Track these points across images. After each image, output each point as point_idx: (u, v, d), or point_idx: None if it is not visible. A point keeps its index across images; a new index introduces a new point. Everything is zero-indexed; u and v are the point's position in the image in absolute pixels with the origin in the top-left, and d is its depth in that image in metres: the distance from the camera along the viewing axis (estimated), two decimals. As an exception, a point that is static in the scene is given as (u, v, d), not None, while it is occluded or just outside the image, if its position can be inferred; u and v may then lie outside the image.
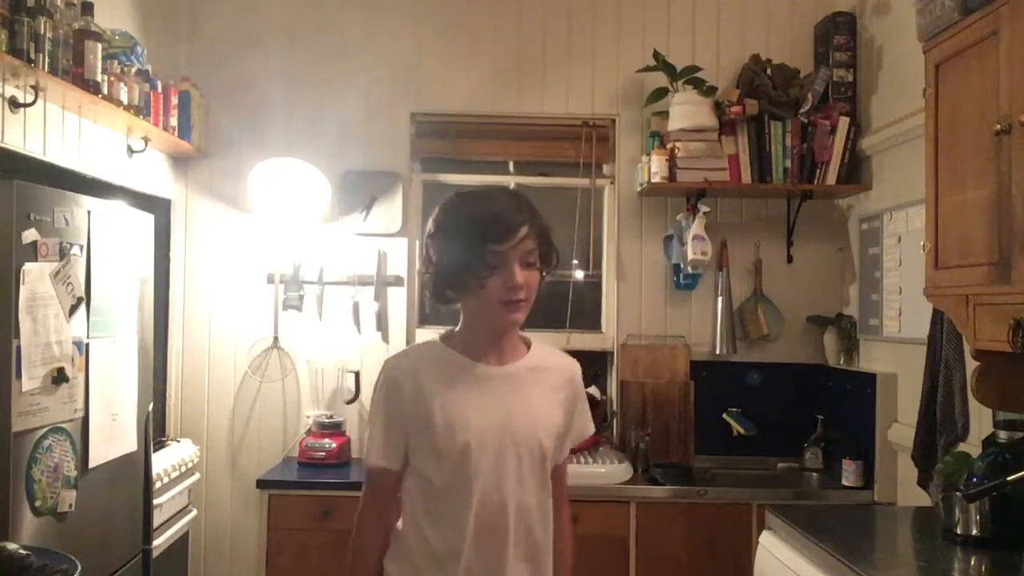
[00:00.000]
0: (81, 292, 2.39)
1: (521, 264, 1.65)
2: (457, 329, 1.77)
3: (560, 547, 1.81)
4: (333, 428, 3.63)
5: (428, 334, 3.83)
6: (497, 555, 1.67)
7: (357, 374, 3.75)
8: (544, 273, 1.74)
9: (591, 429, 1.88)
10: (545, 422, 1.74)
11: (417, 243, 3.90)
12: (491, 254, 1.62)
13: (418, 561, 1.69)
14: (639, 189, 3.76)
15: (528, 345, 1.82)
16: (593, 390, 3.72)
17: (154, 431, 3.01)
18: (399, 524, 1.74)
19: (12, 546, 1.83)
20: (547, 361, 1.82)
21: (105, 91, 2.73)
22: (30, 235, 2.16)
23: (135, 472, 2.79)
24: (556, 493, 1.80)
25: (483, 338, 1.74)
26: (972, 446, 2.55)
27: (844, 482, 3.37)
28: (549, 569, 1.76)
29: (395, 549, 1.74)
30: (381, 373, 1.75)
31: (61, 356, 2.29)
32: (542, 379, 1.78)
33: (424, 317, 3.96)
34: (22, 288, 2.13)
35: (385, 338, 3.82)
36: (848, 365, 3.63)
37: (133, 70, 3.00)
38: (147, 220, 2.95)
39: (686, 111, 3.56)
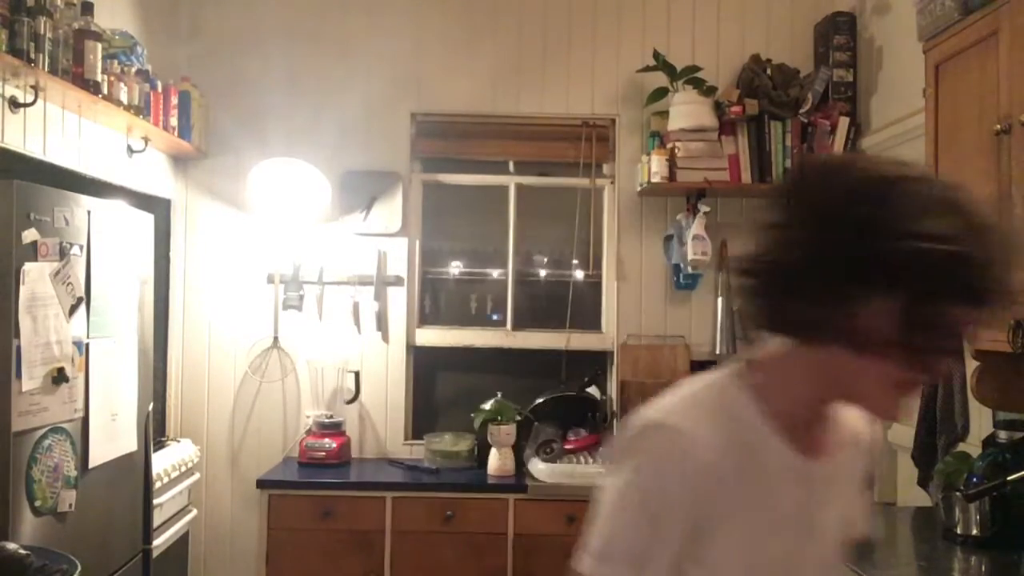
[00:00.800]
0: (81, 292, 2.39)
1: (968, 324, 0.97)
2: (769, 381, 1.08)
3: None
4: (333, 428, 3.63)
5: (428, 334, 3.84)
6: None
7: (357, 374, 3.75)
8: None
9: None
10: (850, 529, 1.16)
11: (417, 243, 3.90)
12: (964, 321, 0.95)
13: None
14: (639, 189, 3.76)
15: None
16: (593, 390, 3.73)
17: (154, 431, 3.01)
18: None
19: (12, 546, 1.83)
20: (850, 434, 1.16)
21: (105, 91, 2.73)
22: (30, 235, 2.16)
23: (135, 472, 2.79)
24: None
25: (807, 414, 1.08)
26: (972, 446, 2.54)
27: (844, 482, 3.36)
28: None
29: None
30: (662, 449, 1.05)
31: (61, 356, 2.29)
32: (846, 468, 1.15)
33: (424, 317, 3.96)
34: (22, 288, 2.13)
35: (385, 338, 3.82)
36: (848, 365, 3.62)
37: (133, 70, 3.00)
38: (147, 220, 2.95)
39: (686, 111, 3.56)
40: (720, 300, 3.76)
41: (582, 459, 3.45)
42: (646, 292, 3.86)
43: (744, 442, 1.04)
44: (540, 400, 3.62)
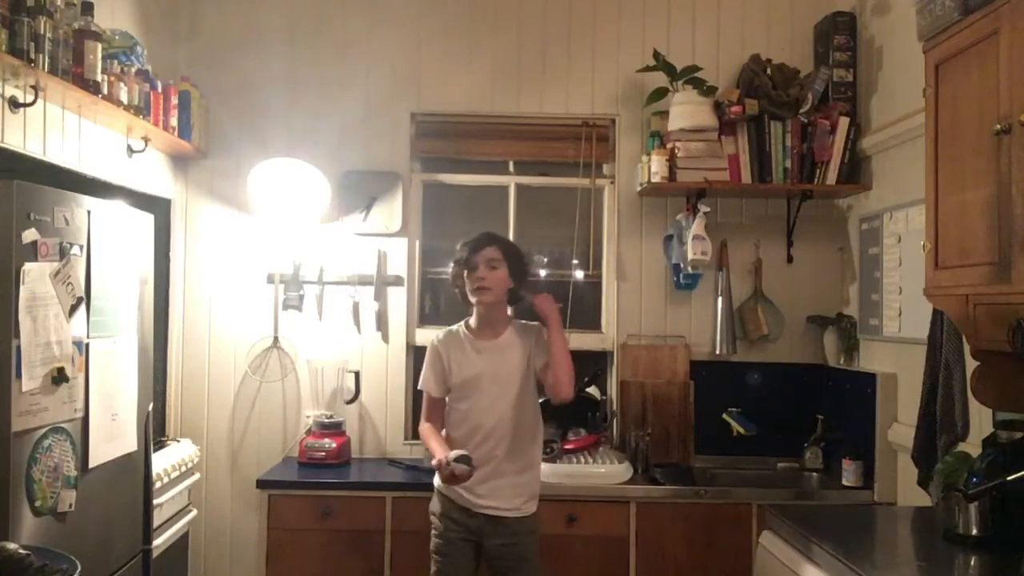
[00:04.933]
0: (81, 292, 2.39)
1: (487, 268, 2.78)
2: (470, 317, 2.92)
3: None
4: (333, 428, 3.63)
5: (428, 334, 3.85)
6: (487, 443, 2.78)
7: (357, 374, 3.75)
8: (517, 283, 2.83)
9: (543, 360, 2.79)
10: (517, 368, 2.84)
11: (417, 243, 3.91)
12: (469, 261, 2.80)
13: (455, 442, 2.80)
14: (639, 189, 3.76)
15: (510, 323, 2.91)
16: (593, 390, 3.72)
17: (154, 431, 3.01)
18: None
19: (12, 546, 1.83)
20: (514, 331, 2.89)
21: (105, 91, 2.73)
22: (30, 235, 2.16)
23: (135, 472, 2.79)
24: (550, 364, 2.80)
25: (477, 321, 2.88)
26: (972, 446, 2.55)
27: (844, 482, 3.37)
28: (525, 457, 2.81)
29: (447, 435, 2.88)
30: (433, 346, 2.91)
31: (61, 356, 2.29)
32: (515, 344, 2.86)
33: (424, 317, 3.96)
34: (22, 288, 2.13)
35: (385, 338, 3.82)
36: (848, 365, 3.63)
37: (133, 70, 3.00)
38: (147, 220, 2.95)
39: (686, 111, 3.57)
40: (720, 300, 3.76)
41: (582, 459, 3.45)
42: (646, 292, 3.86)
43: (454, 335, 2.88)
44: (540, 400, 3.61)
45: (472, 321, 2.89)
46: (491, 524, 2.76)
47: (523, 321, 2.91)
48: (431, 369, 2.88)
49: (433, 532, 2.84)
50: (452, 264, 2.90)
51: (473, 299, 2.81)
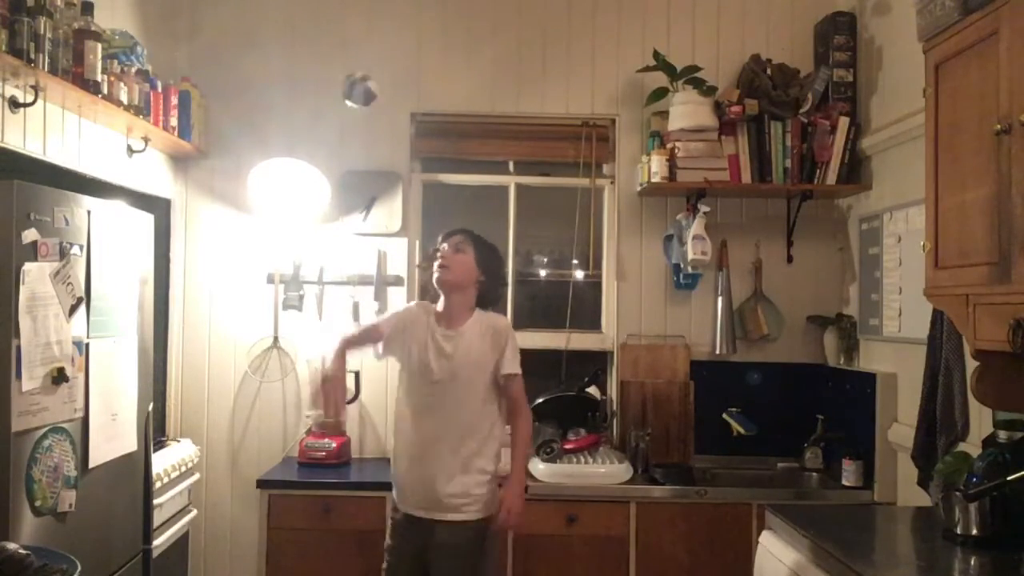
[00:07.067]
0: (81, 292, 2.39)
1: (452, 250, 2.80)
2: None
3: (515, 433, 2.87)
4: (333, 428, 3.62)
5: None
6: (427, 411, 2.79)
7: (357, 374, 3.74)
8: (487, 277, 2.82)
9: (510, 369, 2.78)
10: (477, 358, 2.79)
11: (417, 243, 3.91)
12: (439, 247, 2.84)
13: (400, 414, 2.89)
14: (639, 189, 3.76)
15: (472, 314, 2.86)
16: (593, 390, 3.72)
17: (154, 431, 3.01)
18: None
19: (12, 546, 1.83)
20: (479, 322, 2.83)
21: (105, 91, 2.73)
22: (30, 235, 2.16)
23: (135, 472, 2.79)
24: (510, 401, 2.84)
25: (441, 306, 2.85)
26: (972, 446, 2.55)
27: (844, 482, 3.37)
28: (469, 440, 2.74)
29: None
30: (409, 305, 3.04)
31: (61, 356, 2.29)
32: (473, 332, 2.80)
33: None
34: (22, 288, 2.13)
35: (385, 338, 3.82)
36: (848, 365, 3.63)
37: (133, 70, 3.00)
38: (147, 220, 2.95)
39: (686, 111, 3.57)
40: (720, 300, 3.76)
41: (582, 459, 3.45)
42: (646, 292, 3.86)
43: (425, 311, 2.87)
44: (540, 400, 3.62)
45: (438, 306, 2.85)
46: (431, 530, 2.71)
47: (492, 314, 2.88)
48: (394, 317, 2.91)
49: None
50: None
51: (434, 280, 2.78)
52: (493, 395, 2.79)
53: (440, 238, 2.88)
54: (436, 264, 2.78)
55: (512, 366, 2.78)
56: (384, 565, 2.83)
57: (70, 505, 2.32)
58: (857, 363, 3.61)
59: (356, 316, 3.78)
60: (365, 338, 2.85)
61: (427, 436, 2.73)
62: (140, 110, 3.02)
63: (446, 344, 2.76)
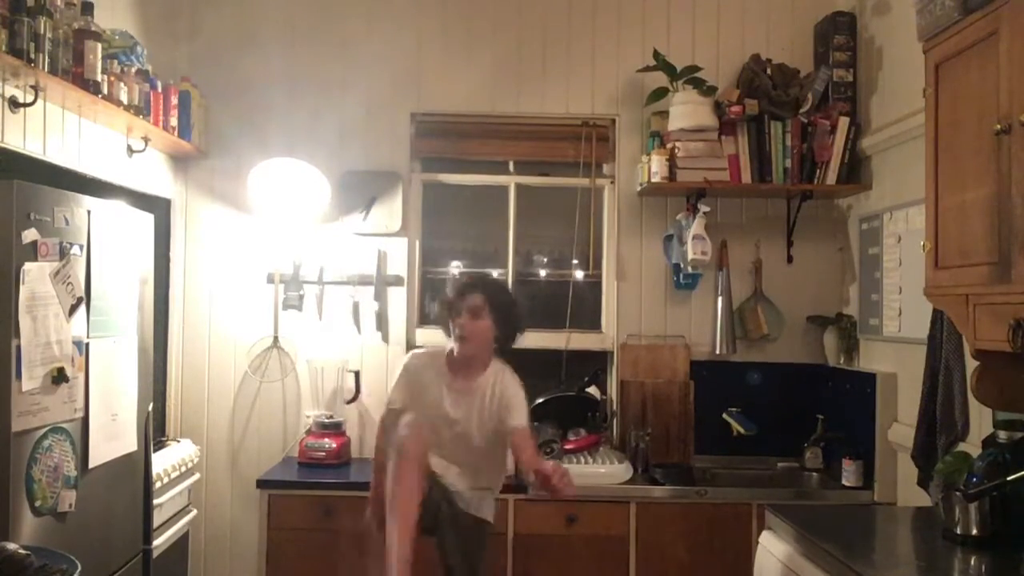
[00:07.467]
0: (81, 292, 2.39)
1: (469, 317, 2.75)
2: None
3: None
4: (333, 428, 3.62)
5: (428, 334, 3.85)
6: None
7: (357, 374, 3.75)
8: (503, 334, 2.81)
9: (517, 422, 2.73)
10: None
11: (417, 243, 3.91)
12: (453, 307, 2.80)
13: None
14: (639, 189, 3.76)
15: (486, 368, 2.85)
16: (593, 390, 3.72)
17: (154, 431, 3.01)
18: None
19: (12, 546, 1.83)
20: (487, 379, 2.83)
21: (105, 91, 2.73)
22: (30, 235, 2.16)
23: (135, 472, 2.79)
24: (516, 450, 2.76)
25: (456, 360, 2.83)
26: (972, 446, 2.55)
27: (844, 482, 3.37)
28: (482, 466, 2.85)
29: None
30: (412, 362, 2.93)
31: (61, 356, 2.29)
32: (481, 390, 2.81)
33: (424, 317, 3.96)
34: (22, 288, 2.13)
35: (385, 338, 3.82)
36: (848, 365, 3.63)
37: (133, 70, 3.00)
38: (147, 220, 2.95)
39: (686, 111, 3.57)
40: (720, 300, 3.76)
41: (582, 459, 3.45)
42: (646, 292, 3.86)
43: (432, 363, 2.87)
44: (540, 400, 3.62)
45: (452, 350, 2.83)
46: None
47: (505, 371, 2.84)
48: (403, 384, 2.89)
49: None
50: (437, 303, 3.01)
51: (455, 352, 2.79)
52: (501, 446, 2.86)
53: (454, 292, 2.83)
54: (455, 334, 2.76)
55: (518, 419, 2.75)
56: None
57: (70, 505, 2.32)
58: (857, 363, 3.61)
59: (356, 317, 3.78)
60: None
61: (439, 463, 2.80)
62: (140, 110, 3.02)
63: (454, 411, 2.79)
